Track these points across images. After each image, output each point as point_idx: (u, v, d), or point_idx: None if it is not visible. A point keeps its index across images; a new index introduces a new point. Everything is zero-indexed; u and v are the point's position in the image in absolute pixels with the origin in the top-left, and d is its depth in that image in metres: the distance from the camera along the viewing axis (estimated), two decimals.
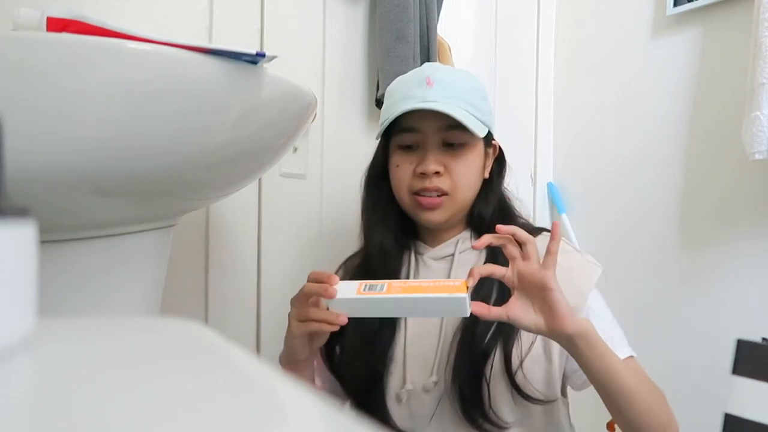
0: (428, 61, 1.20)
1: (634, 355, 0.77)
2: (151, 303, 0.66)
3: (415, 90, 0.78)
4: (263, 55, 0.50)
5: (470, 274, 0.63)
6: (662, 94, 1.36)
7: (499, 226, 0.65)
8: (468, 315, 0.62)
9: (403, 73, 1.11)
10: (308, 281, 0.69)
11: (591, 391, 0.71)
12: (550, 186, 1.63)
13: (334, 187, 1.19)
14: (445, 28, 1.32)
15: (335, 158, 1.19)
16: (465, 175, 0.80)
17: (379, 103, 1.19)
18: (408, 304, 0.61)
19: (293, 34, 1.12)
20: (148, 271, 0.65)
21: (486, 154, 0.84)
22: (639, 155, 1.41)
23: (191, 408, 0.18)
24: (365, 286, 0.63)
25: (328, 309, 0.65)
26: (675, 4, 1.31)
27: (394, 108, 0.78)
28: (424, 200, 0.79)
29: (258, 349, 1.08)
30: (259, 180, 1.07)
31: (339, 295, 0.63)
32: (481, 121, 0.79)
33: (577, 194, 1.58)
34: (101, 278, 0.59)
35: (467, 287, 0.61)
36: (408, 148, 0.81)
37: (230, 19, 1.02)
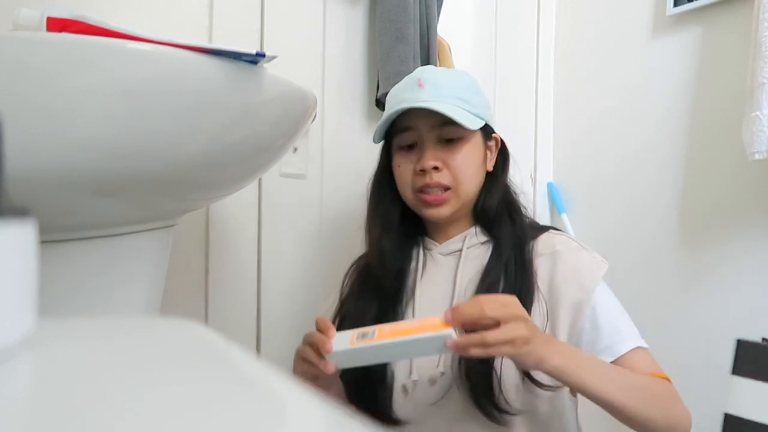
0: (428, 61, 1.20)
1: (643, 345, 0.77)
2: (151, 303, 0.66)
3: (407, 93, 0.82)
4: (263, 55, 0.51)
5: (451, 311, 0.62)
6: (662, 94, 1.36)
7: (451, 315, 0.62)
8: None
9: (403, 73, 1.12)
10: (316, 327, 0.70)
11: None
12: (550, 186, 1.63)
13: (334, 187, 1.19)
14: (445, 28, 1.32)
15: (335, 158, 1.19)
16: (464, 169, 0.82)
17: (379, 103, 1.19)
18: (400, 347, 0.64)
19: (293, 35, 1.12)
20: (148, 271, 0.65)
21: (487, 147, 0.87)
22: (639, 155, 1.41)
23: (191, 408, 0.18)
24: (358, 334, 0.66)
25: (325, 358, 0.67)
26: (675, 4, 1.31)
27: (388, 112, 0.83)
28: (429, 197, 0.82)
29: (258, 349, 1.08)
30: (259, 180, 1.07)
31: (335, 348, 0.66)
32: (475, 115, 0.82)
33: (577, 194, 1.58)
34: (101, 278, 0.59)
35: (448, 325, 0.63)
36: (408, 148, 0.85)
37: (230, 19, 1.02)
